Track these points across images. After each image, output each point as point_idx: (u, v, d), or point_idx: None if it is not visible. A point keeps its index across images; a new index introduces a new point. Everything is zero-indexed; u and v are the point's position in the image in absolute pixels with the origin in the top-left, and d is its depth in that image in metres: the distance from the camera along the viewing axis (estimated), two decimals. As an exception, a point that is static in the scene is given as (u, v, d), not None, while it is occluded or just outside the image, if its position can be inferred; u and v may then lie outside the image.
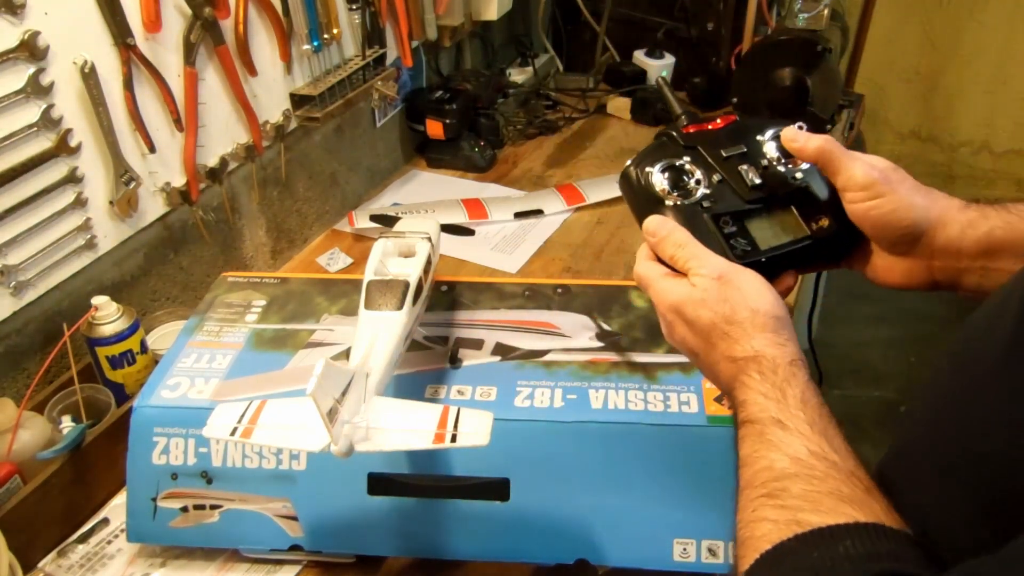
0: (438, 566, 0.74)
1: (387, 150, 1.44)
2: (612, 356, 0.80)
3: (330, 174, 1.29)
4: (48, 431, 0.78)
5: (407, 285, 0.73)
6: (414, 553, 0.74)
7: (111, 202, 0.88)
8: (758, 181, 0.60)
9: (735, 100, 1.46)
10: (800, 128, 0.61)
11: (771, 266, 0.57)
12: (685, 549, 0.70)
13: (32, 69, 0.76)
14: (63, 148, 0.81)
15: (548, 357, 0.80)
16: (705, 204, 0.59)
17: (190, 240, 1.03)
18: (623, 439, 0.71)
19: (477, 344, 0.82)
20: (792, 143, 0.60)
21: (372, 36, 1.22)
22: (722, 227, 0.58)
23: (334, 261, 1.20)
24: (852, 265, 0.61)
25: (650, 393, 0.74)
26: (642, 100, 1.62)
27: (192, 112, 0.95)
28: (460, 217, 1.27)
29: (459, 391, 0.76)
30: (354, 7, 1.17)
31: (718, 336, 0.53)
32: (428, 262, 0.79)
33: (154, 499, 0.73)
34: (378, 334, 0.68)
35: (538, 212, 1.30)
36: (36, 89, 0.77)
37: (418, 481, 0.72)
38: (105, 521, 0.80)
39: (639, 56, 1.71)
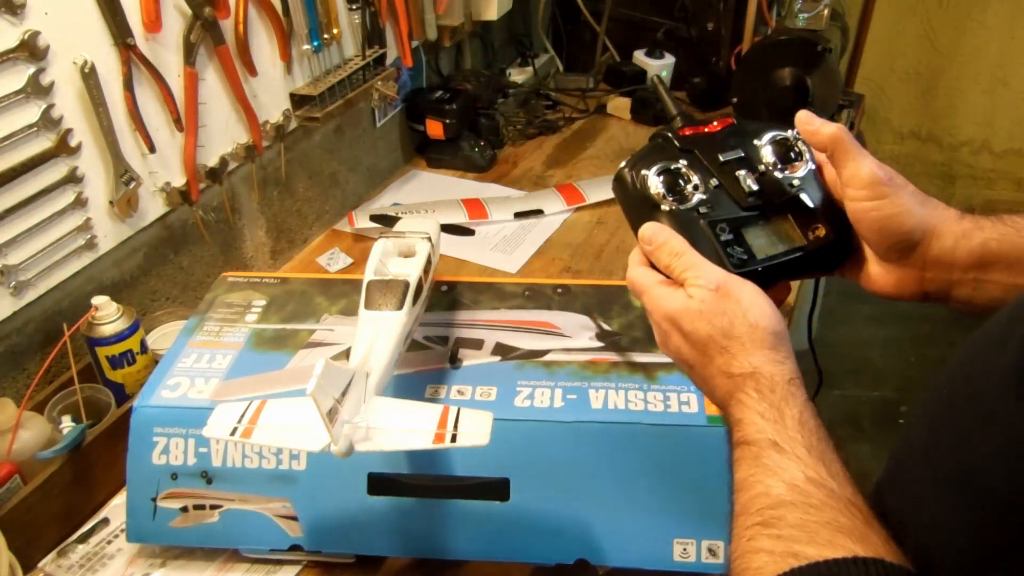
0: (438, 566, 0.74)
1: (387, 150, 1.44)
2: (612, 356, 0.80)
3: (330, 174, 1.29)
4: (48, 431, 0.78)
5: (407, 285, 0.73)
6: (414, 553, 0.74)
7: (111, 202, 0.89)
8: (755, 188, 0.59)
9: (735, 100, 1.47)
10: (796, 138, 0.60)
11: (767, 275, 0.56)
12: (685, 549, 0.70)
13: (32, 69, 0.76)
14: (63, 148, 0.81)
15: (548, 357, 0.80)
16: (702, 210, 0.58)
17: (190, 240, 1.03)
18: (623, 439, 0.71)
19: (477, 344, 0.82)
20: (806, 126, 0.58)
21: (372, 36, 1.22)
22: (719, 234, 0.57)
23: (334, 261, 1.20)
24: (844, 273, 0.61)
25: (650, 393, 0.74)
26: (642, 100, 1.62)
27: (192, 112, 0.95)
28: (460, 217, 1.27)
29: (459, 391, 0.76)
30: (354, 7, 1.17)
31: (715, 350, 0.52)
32: (428, 262, 0.79)
33: (154, 499, 0.73)
34: (378, 334, 0.68)
35: (538, 212, 1.30)
36: (36, 89, 0.77)
37: (418, 481, 0.72)
38: (105, 521, 0.80)
39: (639, 56, 1.71)
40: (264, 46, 1.05)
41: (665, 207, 0.58)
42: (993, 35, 2.39)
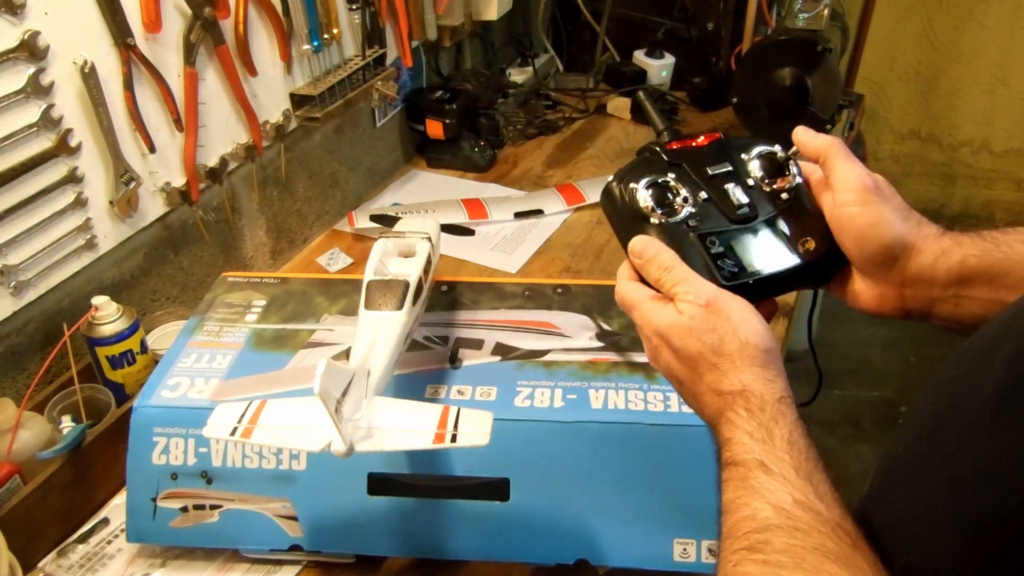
0: (438, 566, 0.74)
1: (387, 150, 1.44)
2: (612, 356, 0.80)
3: (330, 174, 1.29)
4: (48, 431, 0.78)
5: (407, 285, 0.73)
6: (414, 553, 0.74)
7: (111, 202, 0.88)
8: (745, 201, 0.58)
9: (735, 100, 1.47)
10: (784, 154, 0.60)
11: (758, 288, 0.56)
12: (685, 549, 0.70)
13: (32, 69, 0.76)
14: (63, 148, 0.81)
15: (548, 357, 0.80)
16: (691, 223, 0.57)
17: (190, 240, 1.03)
18: (623, 439, 0.71)
19: (477, 344, 0.82)
20: (802, 137, 0.59)
21: (372, 36, 1.22)
22: (708, 247, 0.57)
23: (334, 261, 1.20)
24: (830, 288, 0.60)
25: (650, 393, 0.74)
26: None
27: (192, 112, 0.95)
28: (460, 217, 1.27)
29: (459, 391, 0.76)
30: (354, 7, 1.17)
31: (705, 367, 0.52)
32: (428, 262, 0.79)
33: (154, 499, 0.73)
34: (378, 334, 0.68)
35: (538, 212, 1.30)
36: (36, 89, 0.77)
37: (418, 481, 0.72)
38: (105, 521, 0.80)
39: (639, 56, 1.71)
40: (264, 46, 1.05)
41: (654, 220, 0.57)
42: (993, 35, 2.39)
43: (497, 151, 1.50)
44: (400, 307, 0.71)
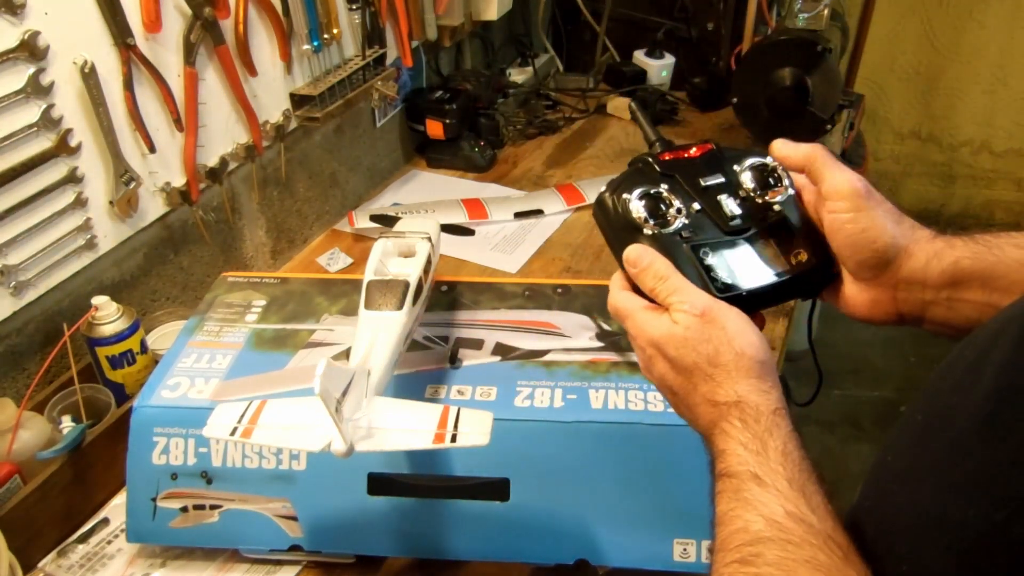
0: (438, 566, 0.74)
1: (387, 150, 1.44)
2: (612, 356, 0.80)
3: (330, 174, 1.29)
4: (48, 431, 0.78)
5: (407, 285, 0.73)
6: (414, 553, 0.74)
7: (111, 202, 0.89)
8: (738, 212, 0.58)
9: (735, 100, 1.47)
10: (776, 164, 0.60)
11: (751, 300, 0.56)
12: (685, 549, 0.70)
13: (32, 69, 0.76)
14: (63, 148, 0.81)
15: (548, 357, 0.80)
16: (684, 234, 0.57)
17: (190, 240, 1.03)
18: (623, 439, 0.71)
19: (477, 344, 0.82)
20: (780, 151, 0.59)
21: (372, 36, 1.22)
22: (702, 259, 0.56)
23: (334, 261, 1.20)
24: (823, 295, 0.60)
25: (650, 393, 0.74)
26: (642, 100, 1.62)
27: (192, 112, 0.95)
28: (460, 217, 1.27)
29: (459, 391, 0.76)
30: (354, 7, 1.17)
31: (700, 377, 0.52)
32: (428, 262, 0.79)
33: (154, 499, 0.73)
34: (378, 334, 0.68)
35: (538, 212, 1.30)
36: (36, 89, 0.77)
37: (418, 481, 0.72)
38: (105, 521, 0.80)
39: (639, 56, 1.71)
40: (264, 46, 1.05)
41: (647, 231, 0.57)
42: (993, 35, 2.39)
43: (497, 151, 1.50)
44: (400, 307, 0.71)
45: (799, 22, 1.38)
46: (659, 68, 1.69)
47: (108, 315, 0.84)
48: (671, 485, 0.71)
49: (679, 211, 0.58)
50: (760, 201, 0.59)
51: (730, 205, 0.59)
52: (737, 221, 0.58)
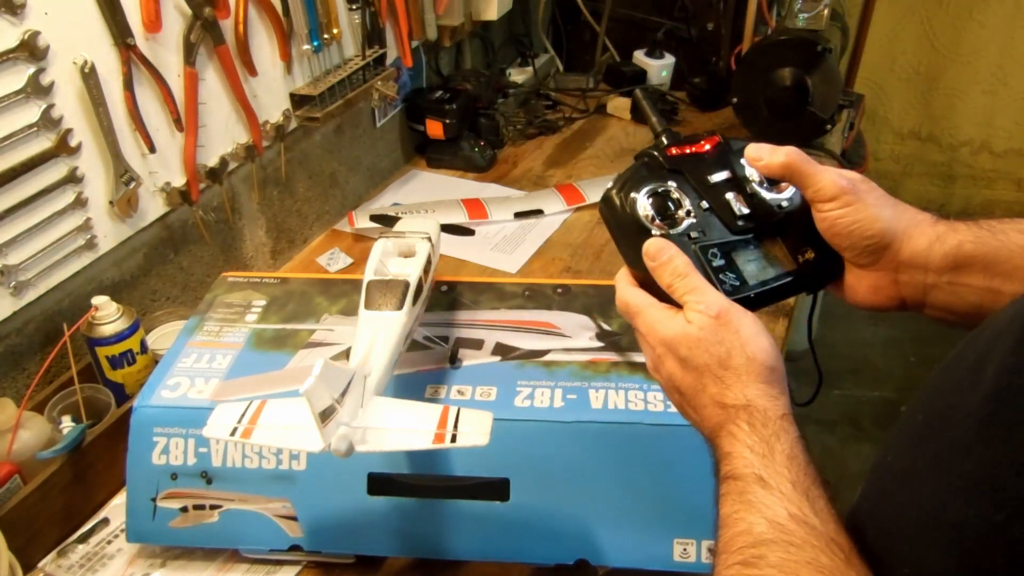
0: (438, 566, 0.74)
1: (387, 150, 1.44)
2: (612, 356, 0.80)
3: (330, 174, 1.29)
4: (48, 431, 0.78)
5: (407, 285, 0.73)
6: (414, 553, 0.74)
7: (111, 202, 0.88)
8: (746, 211, 0.58)
9: (735, 100, 1.47)
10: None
11: (759, 301, 0.56)
12: (685, 549, 0.70)
13: (32, 69, 0.76)
14: (63, 148, 0.81)
15: (548, 357, 0.80)
16: (692, 235, 0.57)
17: (190, 240, 1.03)
18: (623, 439, 0.71)
19: (477, 344, 0.82)
20: (757, 162, 0.58)
21: (372, 36, 1.22)
22: (710, 260, 0.56)
23: (334, 261, 1.20)
24: (826, 287, 0.61)
25: (650, 393, 0.74)
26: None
27: (192, 112, 0.95)
28: (460, 217, 1.27)
29: (459, 391, 0.76)
30: (354, 7, 1.17)
31: (710, 379, 0.52)
32: (428, 262, 0.79)
33: (154, 499, 0.73)
34: (378, 334, 0.68)
35: (538, 212, 1.30)
36: (36, 89, 0.77)
37: (418, 481, 0.72)
38: (105, 521, 0.80)
39: (639, 56, 1.71)
40: (264, 46, 1.05)
41: (656, 231, 0.57)
42: (993, 35, 2.39)
43: (497, 151, 1.50)
44: (400, 307, 0.71)
45: (799, 22, 1.38)
46: (659, 68, 1.69)
47: (108, 315, 0.84)
48: (671, 485, 0.71)
49: (688, 212, 0.58)
50: (767, 197, 0.59)
51: (737, 204, 0.59)
52: (745, 220, 0.58)
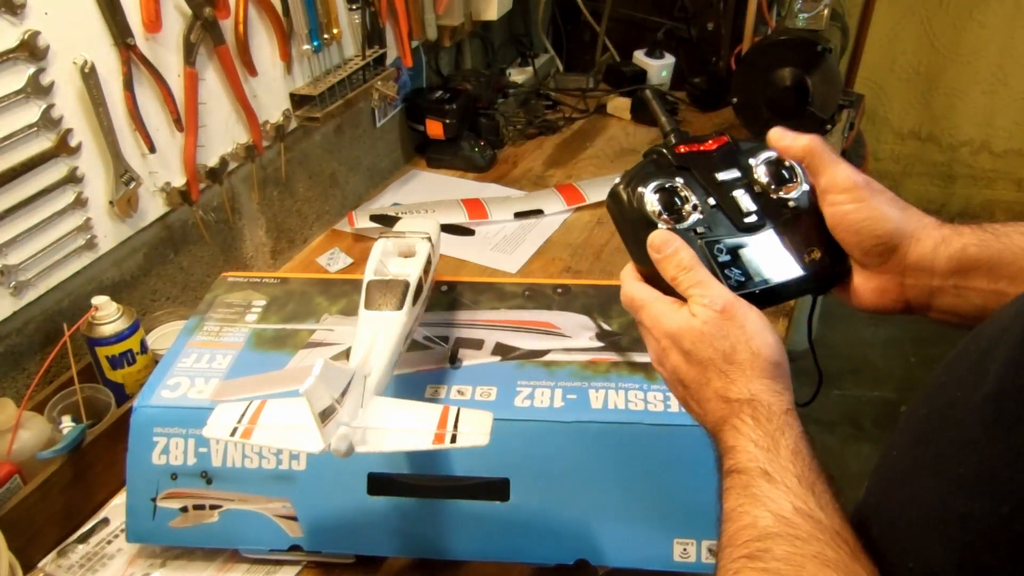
0: (438, 566, 0.74)
1: (387, 150, 1.44)
2: (612, 356, 0.80)
3: (330, 174, 1.29)
4: (48, 431, 0.78)
5: (407, 285, 0.73)
6: (414, 553, 0.74)
7: (111, 202, 0.89)
8: (752, 208, 0.58)
9: (735, 100, 1.47)
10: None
11: (763, 298, 0.56)
12: (685, 549, 0.70)
13: (32, 69, 0.76)
14: (63, 148, 0.81)
15: (548, 357, 0.80)
16: (699, 230, 0.57)
17: (190, 240, 1.03)
18: (623, 439, 0.71)
19: (477, 344, 0.82)
20: (779, 142, 0.59)
21: (372, 36, 1.22)
22: (716, 255, 0.56)
23: (334, 261, 1.20)
24: (833, 290, 0.61)
25: (650, 393, 0.74)
26: (642, 100, 1.62)
27: (192, 112, 0.95)
28: (460, 217, 1.27)
29: (459, 391, 0.76)
30: (354, 7, 1.17)
31: (714, 373, 0.51)
32: (428, 262, 0.79)
33: (154, 499, 0.73)
34: (378, 334, 0.68)
35: (538, 212, 1.30)
36: (36, 89, 0.77)
37: (418, 481, 0.72)
38: (105, 521, 0.80)
39: (639, 56, 1.71)
40: (264, 46, 1.05)
41: (663, 226, 0.57)
42: (993, 35, 2.39)
43: (497, 151, 1.50)
44: (400, 307, 0.71)
45: (799, 22, 1.38)
46: (659, 68, 1.69)
47: (108, 315, 0.84)
48: (671, 485, 0.71)
49: (695, 207, 0.58)
50: (775, 197, 0.59)
51: (745, 201, 0.59)
52: (752, 218, 0.58)
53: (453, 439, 0.58)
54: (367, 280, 0.74)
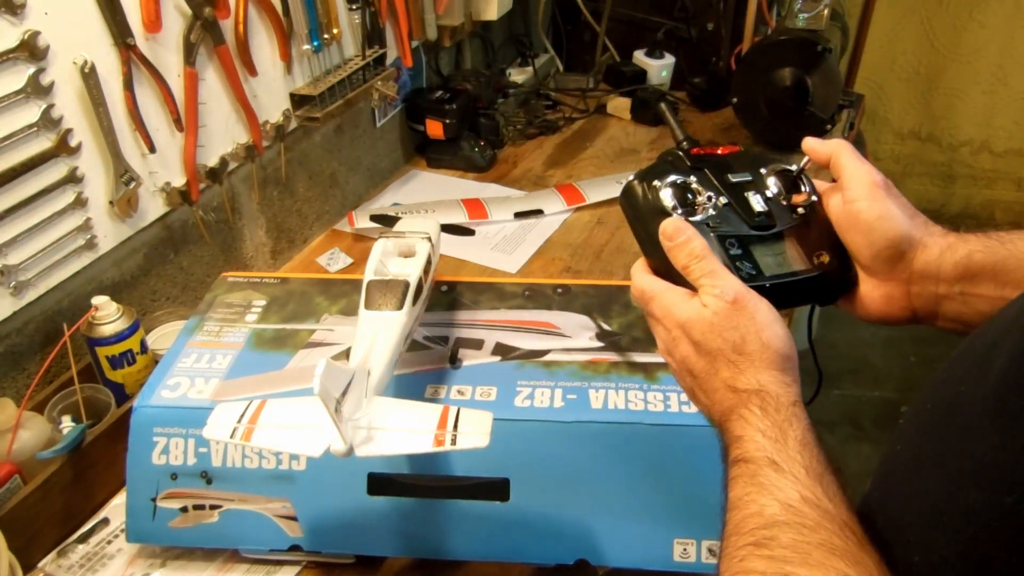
0: (438, 566, 0.74)
1: (387, 150, 1.44)
2: (612, 356, 0.80)
3: (330, 174, 1.29)
4: (48, 431, 0.78)
5: (407, 285, 0.73)
6: (414, 553, 0.74)
7: (111, 202, 0.89)
8: (764, 209, 0.59)
9: (735, 100, 1.46)
10: (801, 171, 0.61)
11: (774, 293, 0.56)
12: (685, 549, 0.70)
13: (32, 69, 0.76)
14: (63, 148, 0.81)
15: (548, 357, 0.80)
16: (710, 224, 0.58)
17: (190, 240, 1.03)
18: (623, 439, 0.71)
19: (477, 344, 0.82)
20: (809, 144, 0.60)
21: (372, 36, 1.22)
22: (728, 248, 0.57)
23: (334, 261, 1.20)
24: (839, 302, 0.61)
25: (650, 393, 0.74)
26: (642, 100, 1.62)
27: (192, 112, 0.95)
28: (460, 217, 1.27)
29: (459, 391, 0.76)
30: (354, 7, 1.17)
31: (723, 363, 0.52)
32: (428, 262, 0.79)
33: (154, 499, 0.73)
34: (378, 334, 0.68)
35: (538, 212, 1.30)
36: (36, 89, 0.77)
37: (418, 481, 0.72)
38: (105, 521, 0.80)
39: (639, 56, 1.71)
40: (264, 46, 1.05)
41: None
42: (993, 35, 2.39)
43: (497, 151, 1.50)
44: (400, 307, 0.71)
45: (799, 22, 1.38)
46: (659, 68, 1.69)
47: (108, 315, 0.84)
48: (671, 485, 0.71)
49: (708, 199, 0.59)
50: (785, 203, 0.60)
51: (757, 202, 0.60)
52: (763, 218, 0.59)
53: (453, 440, 0.58)
54: (367, 280, 0.74)
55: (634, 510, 0.71)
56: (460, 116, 1.41)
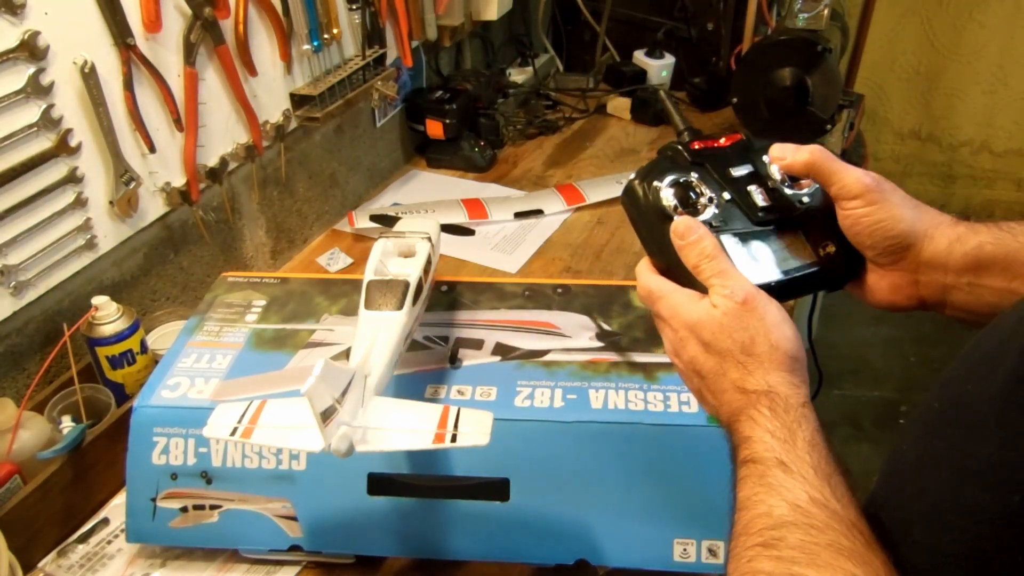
0: (438, 566, 0.74)
1: (387, 150, 1.44)
2: (612, 356, 0.80)
3: (330, 174, 1.29)
4: (48, 431, 0.78)
5: (407, 285, 0.73)
6: (414, 553, 0.74)
7: (111, 202, 0.89)
8: (767, 203, 0.59)
9: (735, 100, 1.46)
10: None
11: (779, 291, 0.56)
12: (685, 549, 0.70)
13: (32, 69, 0.76)
14: (63, 148, 0.81)
15: (548, 357, 0.80)
16: (714, 224, 0.57)
17: (190, 240, 1.03)
18: (623, 439, 0.71)
19: (477, 344, 0.82)
20: (781, 160, 0.59)
21: (372, 36, 1.22)
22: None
23: (334, 261, 1.20)
24: (847, 286, 0.61)
25: (650, 393, 0.74)
26: (642, 100, 1.62)
27: (192, 112, 0.95)
28: (460, 217, 1.27)
29: (459, 391, 0.76)
30: (354, 7, 1.17)
31: (732, 364, 0.52)
32: (428, 262, 0.79)
33: (154, 499, 0.73)
34: (378, 334, 0.68)
35: (538, 212, 1.30)
36: (36, 89, 0.77)
37: (418, 481, 0.72)
38: (105, 521, 0.80)
39: (639, 56, 1.71)
40: (264, 46, 1.05)
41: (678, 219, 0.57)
42: (993, 35, 2.39)
43: (497, 151, 1.50)
44: (400, 307, 0.71)
45: (799, 22, 1.38)
46: (659, 68, 1.69)
47: (108, 315, 0.84)
48: (671, 485, 0.71)
49: (710, 199, 0.58)
50: (789, 193, 0.60)
51: (759, 196, 0.59)
52: (766, 212, 0.59)
53: (453, 439, 0.58)
54: (367, 280, 0.74)
55: (634, 510, 0.71)
56: (460, 116, 1.41)
